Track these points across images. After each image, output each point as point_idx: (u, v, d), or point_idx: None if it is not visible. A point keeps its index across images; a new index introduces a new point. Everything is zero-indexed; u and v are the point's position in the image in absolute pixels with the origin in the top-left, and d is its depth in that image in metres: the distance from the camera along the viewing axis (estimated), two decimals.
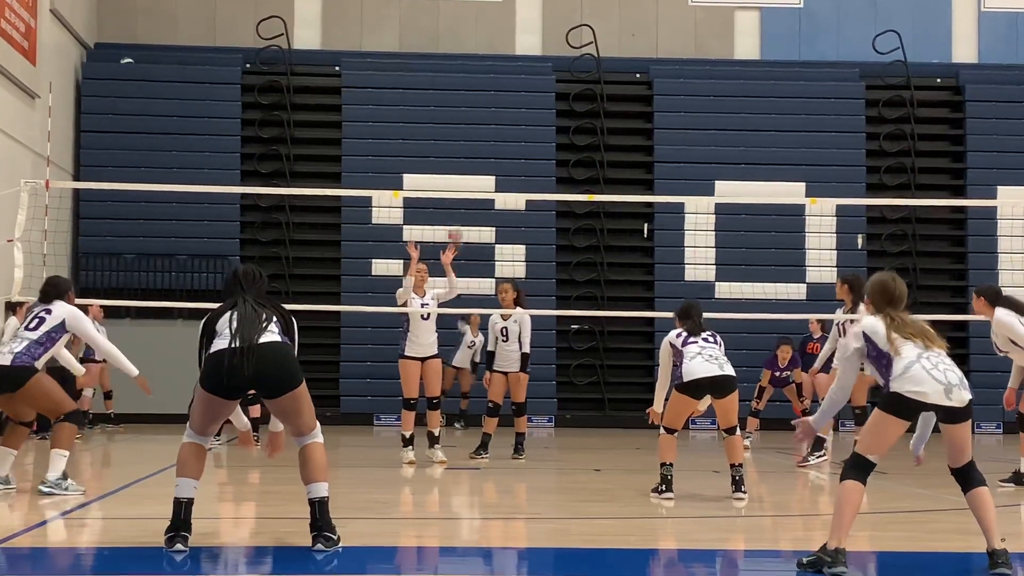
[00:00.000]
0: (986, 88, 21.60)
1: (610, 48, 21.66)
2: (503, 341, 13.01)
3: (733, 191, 20.41)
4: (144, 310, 18.34)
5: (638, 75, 21.75)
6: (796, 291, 20.52)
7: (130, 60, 20.87)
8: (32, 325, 9.20)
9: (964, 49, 22.47)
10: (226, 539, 7.21)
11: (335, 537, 6.37)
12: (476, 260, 19.48)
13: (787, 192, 20.49)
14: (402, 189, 19.23)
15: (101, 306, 17.30)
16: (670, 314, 19.24)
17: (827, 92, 21.46)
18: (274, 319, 6.56)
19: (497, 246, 20.36)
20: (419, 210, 19.90)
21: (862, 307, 12.29)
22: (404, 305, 12.30)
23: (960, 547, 7.13)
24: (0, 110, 16.72)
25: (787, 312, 18.50)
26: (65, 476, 9.01)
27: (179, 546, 6.23)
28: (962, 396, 5.82)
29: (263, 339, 6.41)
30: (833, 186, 20.40)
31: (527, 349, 13.02)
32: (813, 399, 18.93)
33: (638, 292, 20.81)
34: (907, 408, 5.80)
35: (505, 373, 12.97)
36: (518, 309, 13.06)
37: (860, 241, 20.82)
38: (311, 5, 21.90)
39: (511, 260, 20.36)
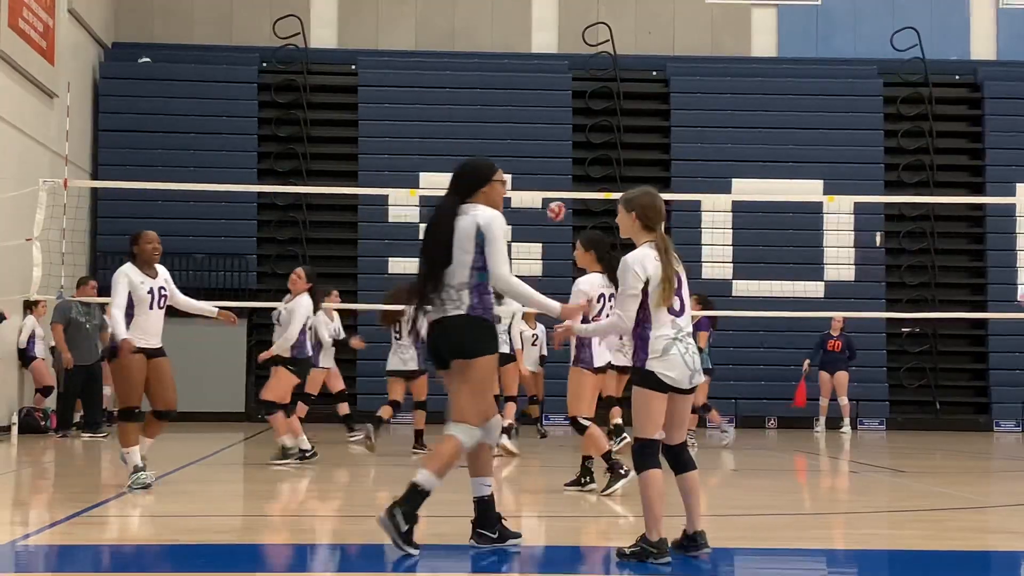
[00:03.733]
0: (1005, 85, 21.51)
1: (626, 46, 21.62)
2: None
3: (750, 189, 20.38)
4: None
5: (655, 73, 21.72)
6: (814, 289, 20.45)
7: (147, 59, 20.95)
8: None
9: (982, 46, 22.37)
10: (248, 537, 7.23)
11: (398, 523, 6.19)
12: None
13: (805, 190, 20.43)
14: (418, 187, 19.24)
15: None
16: None
17: (845, 89, 21.39)
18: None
19: (514, 244, 20.35)
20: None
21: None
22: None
23: (978, 546, 7.10)
24: (19, 110, 16.79)
25: (804, 310, 18.47)
26: (136, 469, 8.91)
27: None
28: (698, 380, 6.12)
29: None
30: (851, 184, 20.32)
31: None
32: (832, 397, 18.93)
33: None
34: (661, 385, 6.03)
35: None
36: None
37: (878, 239, 20.77)
38: (327, 4, 21.94)
39: (528, 258, 20.34)
